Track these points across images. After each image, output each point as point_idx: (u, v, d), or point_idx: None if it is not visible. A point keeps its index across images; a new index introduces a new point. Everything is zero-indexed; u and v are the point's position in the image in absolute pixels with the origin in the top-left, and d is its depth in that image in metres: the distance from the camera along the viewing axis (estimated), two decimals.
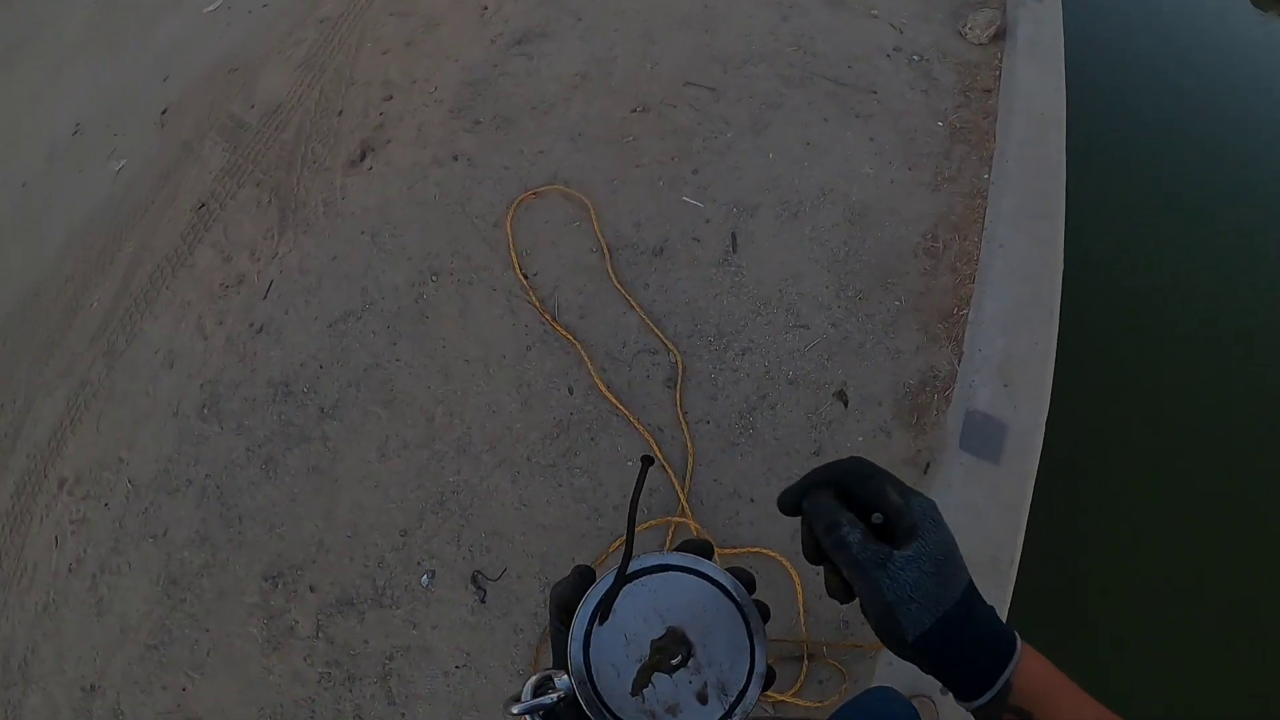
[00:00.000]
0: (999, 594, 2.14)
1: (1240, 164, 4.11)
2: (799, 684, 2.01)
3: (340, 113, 3.33)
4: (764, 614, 0.59)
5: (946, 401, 2.39)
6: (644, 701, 0.55)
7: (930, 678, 0.60)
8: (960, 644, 0.57)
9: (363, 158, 3.07)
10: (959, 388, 2.41)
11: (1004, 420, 2.38)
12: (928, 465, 2.29)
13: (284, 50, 3.87)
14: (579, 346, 2.46)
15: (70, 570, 2.66)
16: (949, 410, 2.38)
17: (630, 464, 2.28)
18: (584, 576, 0.59)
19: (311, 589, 2.33)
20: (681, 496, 2.21)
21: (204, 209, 3.32)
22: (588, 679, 0.55)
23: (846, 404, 2.37)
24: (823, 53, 3.15)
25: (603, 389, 2.37)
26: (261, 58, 3.90)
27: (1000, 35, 3.38)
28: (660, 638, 0.57)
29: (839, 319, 2.49)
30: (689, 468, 2.26)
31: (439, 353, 2.54)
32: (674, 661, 0.56)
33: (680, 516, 2.19)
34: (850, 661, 2.04)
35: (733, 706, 0.56)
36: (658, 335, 2.46)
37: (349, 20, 3.84)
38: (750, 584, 0.60)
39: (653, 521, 2.19)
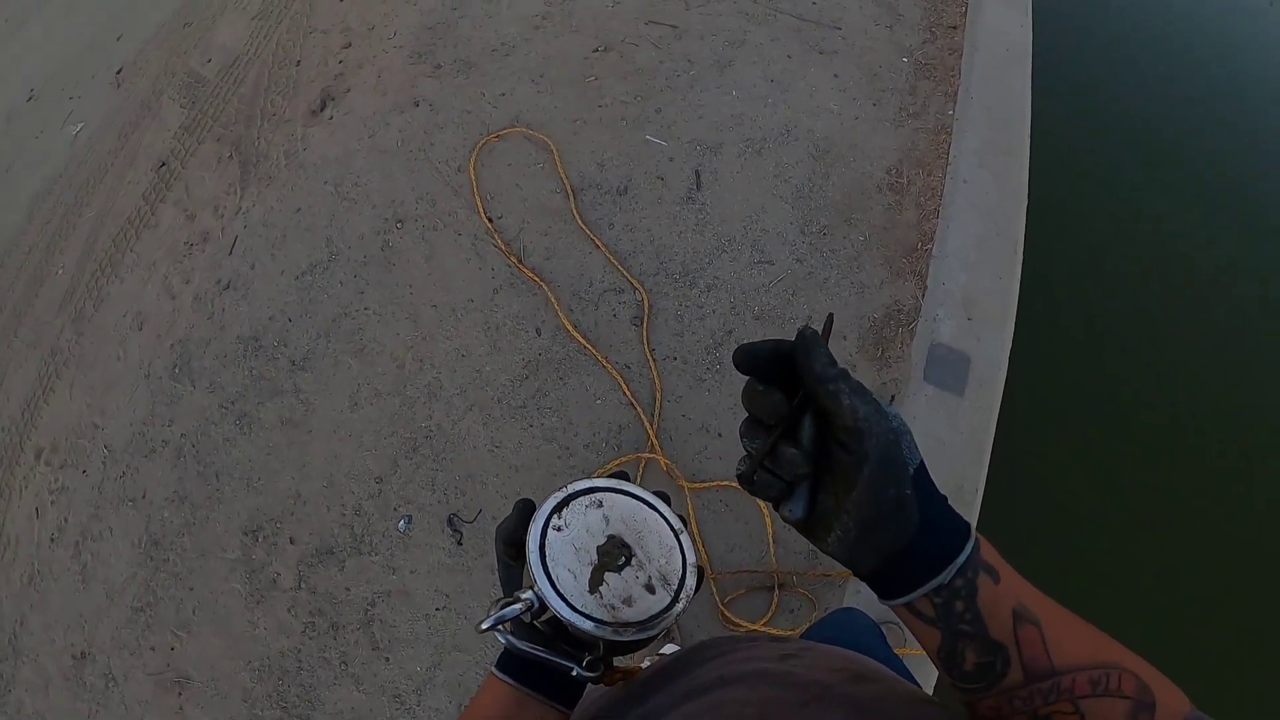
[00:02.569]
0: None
1: (1209, 92, 4.13)
2: (770, 613, 2.06)
3: (298, 63, 3.26)
4: (681, 521, 0.67)
5: (911, 335, 2.41)
6: (601, 597, 0.62)
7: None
8: (934, 489, 0.56)
9: (323, 107, 3.03)
10: (923, 321, 2.44)
11: (968, 353, 2.41)
12: (892, 398, 2.33)
13: (239, 1, 3.78)
14: (546, 288, 2.46)
15: (53, 540, 2.67)
16: (913, 344, 2.41)
17: (599, 401, 2.30)
18: (526, 509, 0.66)
19: (291, 541, 2.36)
20: (651, 432, 2.23)
21: (164, 168, 3.27)
22: (550, 582, 0.62)
23: None
24: None
25: (570, 329, 2.38)
26: (216, 9, 3.82)
27: None
28: (604, 544, 0.65)
29: (803, 255, 2.50)
30: (657, 404, 2.28)
31: (407, 299, 2.53)
32: (620, 562, 0.64)
33: (650, 453, 2.22)
34: (820, 590, 2.09)
35: (677, 592, 0.64)
36: (623, 274, 2.46)
37: None
38: (666, 499, 0.68)
39: (623, 459, 2.22)
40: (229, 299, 2.75)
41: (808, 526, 0.57)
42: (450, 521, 2.25)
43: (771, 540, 2.12)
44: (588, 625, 0.61)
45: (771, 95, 2.80)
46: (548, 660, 0.62)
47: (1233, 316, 3.18)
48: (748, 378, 0.55)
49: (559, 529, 0.64)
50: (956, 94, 2.93)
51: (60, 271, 3.41)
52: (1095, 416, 2.92)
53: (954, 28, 3.12)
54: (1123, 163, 3.65)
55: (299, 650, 2.24)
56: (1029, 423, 2.73)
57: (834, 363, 0.52)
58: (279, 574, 2.33)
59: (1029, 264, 2.60)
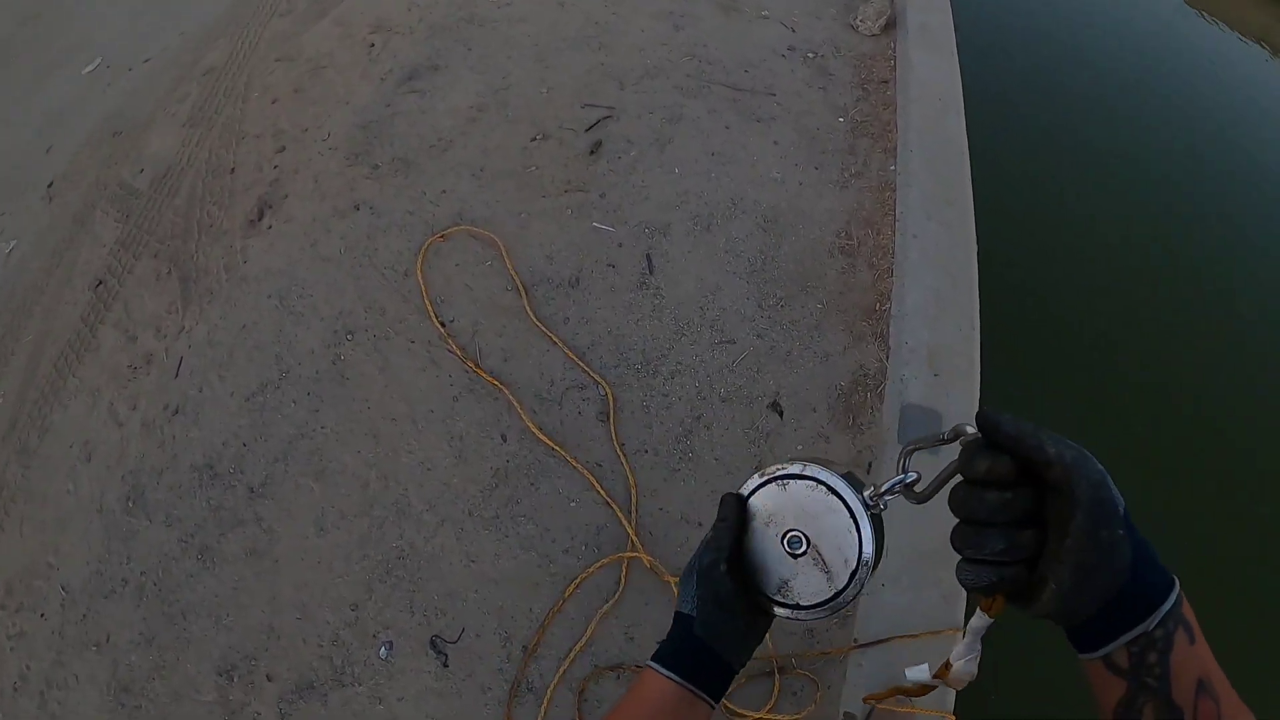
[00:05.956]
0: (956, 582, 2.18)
1: (1140, 113, 4.26)
2: (773, 700, 2.02)
3: (233, 170, 3.20)
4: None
5: (880, 398, 2.42)
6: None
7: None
8: (1138, 532, 0.56)
9: (261, 216, 2.96)
10: (890, 383, 2.45)
11: (938, 409, 2.41)
12: (870, 464, 2.32)
13: (169, 107, 3.72)
14: (506, 391, 2.42)
15: (15, 689, 2.53)
16: (883, 407, 2.41)
17: (573, 504, 2.26)
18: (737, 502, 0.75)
19: (269, 678, 2.26)
20: (630, 530, 2.19)
21: (102, 286, 3.18)
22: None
23: (782, 414, 2.38)
24: (718, 60, 3.14)
25: (536, 432, 2.34)
26: (146, 117, 3.74)
27: (891, 24, 3.43)
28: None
29: (764, 329, 2.49)
30: (633, 500, 2.24)
31: (364, 415, 2.47)
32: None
33: (631, 551, 2.17)
34: (821, 669, 2.06)
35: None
36: (584, 369, 2.43)
37: (234, 70, 3.71)
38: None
39: (604, 561, 2.17)
40: (179, 425, 2.65)
41: (1021, 590, 0.58)
42: (433, 643, 2.18)
43: None
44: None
45: (714, 169, 2.82)
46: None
47: (1190, 332, 3.26)
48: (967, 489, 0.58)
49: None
50: (895, 149, 2.97)
51: (0, 401, 3.28)
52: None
53: (884, 82, 3.17)
54: (1066, 191, 3.73)
55: None
56: None
57: (1021, 420, 0.55)
58: (259, 713, 2.23)
59: (987, 310, 2.63)
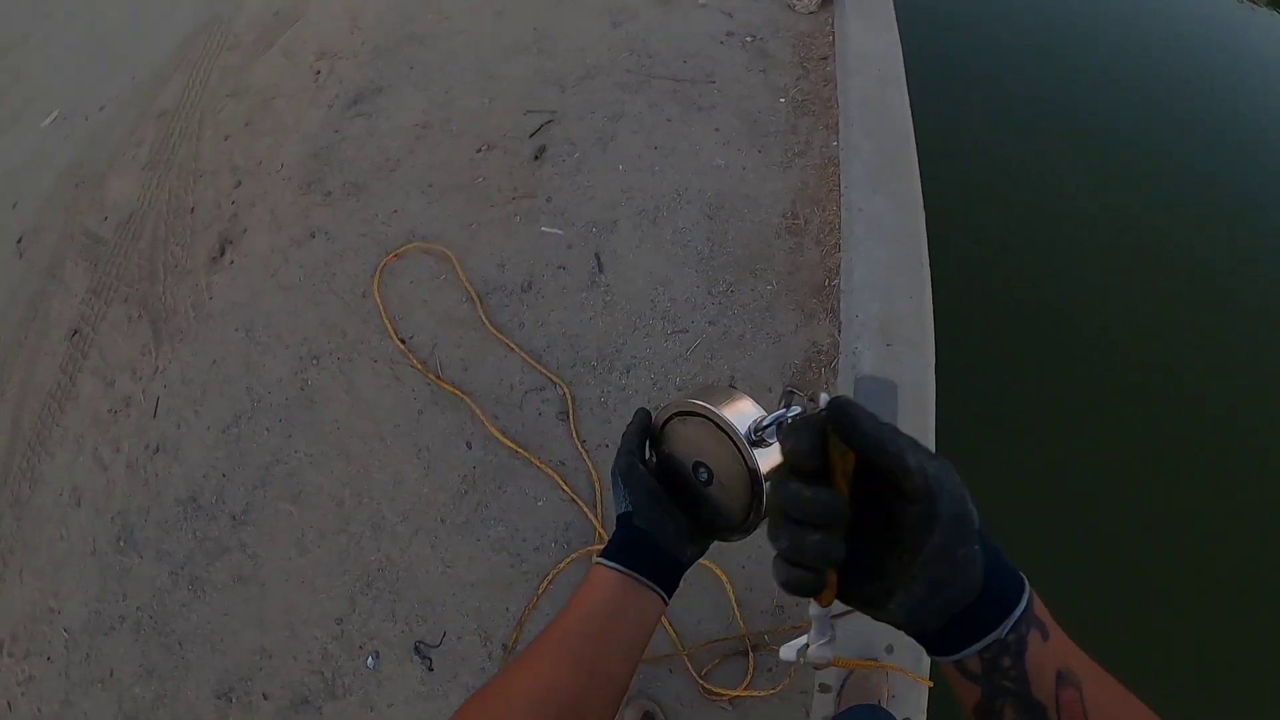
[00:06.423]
0: None
1: (1090, 74, 4.26)
2: (749, 677, 2.07)
3: (192, 210, 3.26)
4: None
5: (834, 373, 2.46)
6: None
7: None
8: (990, 539, 0.53)
9: (222, 252, 3.03)
10: (843, 357, 2.48)
11: (893, 379, 2.44)
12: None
13: (127, 152, 3.77)
14: (468, 400, 2.48)
15: None
16: (837, 381, 2.44)
17: (540, 503, 2.32)
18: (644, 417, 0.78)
19: (265, 696, 2.33)
20: (596, 524, 2.25)
21: (77, 335, 3.24)
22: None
23: None
24: (657, 53, 3.18)
25: (499, 437, 2.39)
26: (106, 164, 3.80)
27: (829, 0, 3.44)
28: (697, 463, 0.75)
29: (715, 316, 2.54)
30: (598, 495, 2.30)
31: (334, 436, 2.53)
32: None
33: (599, 545, 2.23)
34: None
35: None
36: (542, 372, 2.49)
37: (187, 110, 3.76)
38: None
39: (573, 555, 2.23)
40: (160, 463, 2.72)
41: (867, 595, 0.55)
42: (417, 649, 2.24)
43: (735, 604, 2.13)
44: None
45: (658, 162, 2.86)
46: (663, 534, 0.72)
47: (1146, 290, 3.27)
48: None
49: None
50: (837, 124, 3.00)
51: None
52: (1030, 411, 2.97)
53: (824, 58, 3.20)
54: (1017, 154, 3.74)
55: None
56: (966, 433, 2.78)
57: (880, 420, 0.50)
58: None
59: (939, 279, 2.66)
